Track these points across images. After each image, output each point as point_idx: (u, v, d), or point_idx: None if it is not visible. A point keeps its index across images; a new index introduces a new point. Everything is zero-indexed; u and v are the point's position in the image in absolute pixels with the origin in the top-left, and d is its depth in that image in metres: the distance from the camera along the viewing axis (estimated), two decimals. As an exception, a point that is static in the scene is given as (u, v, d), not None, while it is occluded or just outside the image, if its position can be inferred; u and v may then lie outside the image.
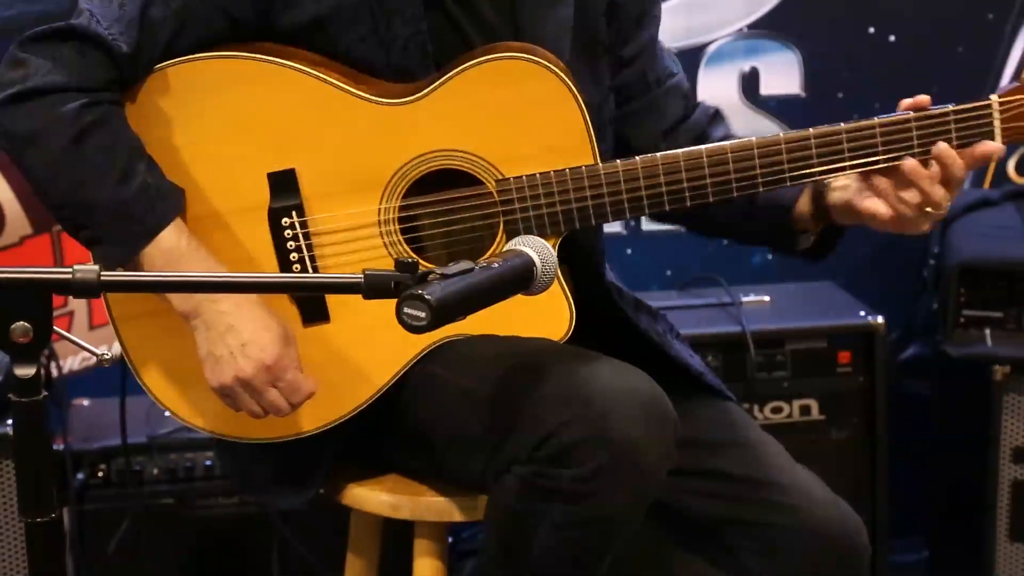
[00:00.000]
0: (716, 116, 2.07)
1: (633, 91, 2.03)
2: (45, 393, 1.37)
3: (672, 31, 3.11)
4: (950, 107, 1.83)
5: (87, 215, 1.75)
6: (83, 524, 2.71)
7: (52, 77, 1.73)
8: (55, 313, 1.36)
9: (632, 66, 2.02)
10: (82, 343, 1.48)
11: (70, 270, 1.35)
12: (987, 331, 2.84)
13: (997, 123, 1.83)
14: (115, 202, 1.73)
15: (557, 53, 1.84)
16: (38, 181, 1.77)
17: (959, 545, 3.04)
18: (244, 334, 1.74)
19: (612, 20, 1.96)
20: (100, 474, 2.72)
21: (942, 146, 1.81)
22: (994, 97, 1.83)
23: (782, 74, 3.25)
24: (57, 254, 2.97)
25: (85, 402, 2.92)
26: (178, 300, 1.76)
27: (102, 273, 1.35)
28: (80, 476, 2.72)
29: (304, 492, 1.91)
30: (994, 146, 1.83)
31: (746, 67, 3.24)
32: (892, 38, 3.26)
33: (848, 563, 1.90)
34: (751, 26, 3.23)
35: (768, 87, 3.25)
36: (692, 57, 3.21)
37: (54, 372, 2.78)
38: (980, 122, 1.83)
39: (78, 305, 3.04)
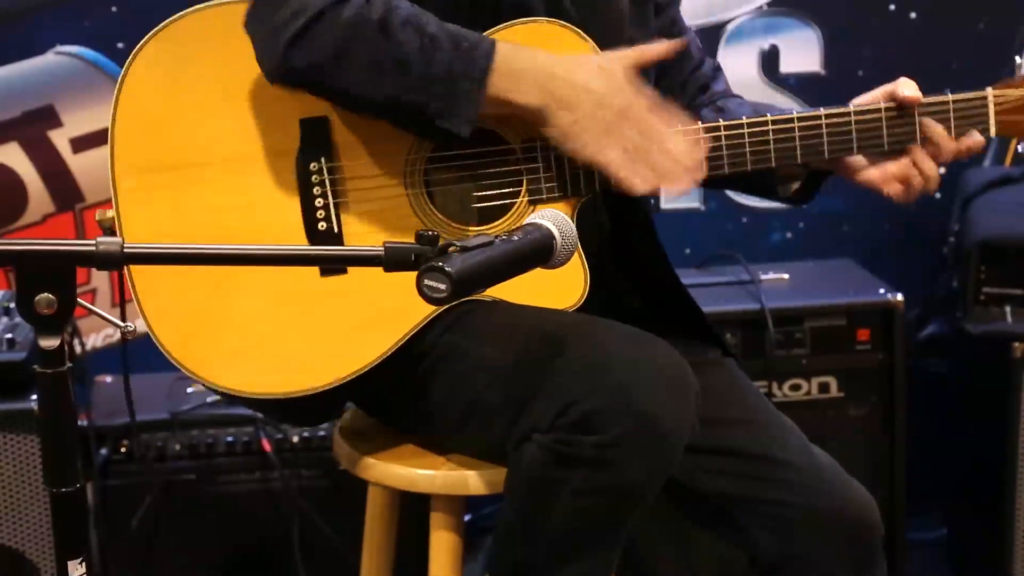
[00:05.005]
0: (718, 70, 2.14)
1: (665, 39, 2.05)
2: (69, 364, 1.39)
3: (693, 9, 3.10)
4: (949, 95, 1.89)
5: (424, 92, 1.72)
6: (106, 499, 2.73)
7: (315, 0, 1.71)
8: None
9: (665, 12, 2.05)
10: (106, 315, 1.50)
11: (94, 242, 1.37)
12: (1007, 309, 2.83)
13: (991, 115, 1.90)
14: (441, 66, 1.71)
15: None
16: (364, 89, 1.73)
17: (977, 522, 3.04)
18: (599, 88, 1.73)
19: None
20: (123, 450, 2.74)
21: (937, 128, 1.88)
22: (990, 89, 1.90)
23: (802, 52, 3.24)
24: (80, 232, 2.99)
25: (108, 379, 2.94)
26: (527, 97, 1.73)
27: (125, 245, 1.37)
28: (103, 452, 2.74)
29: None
30: (979, 140, 1.90)
31: (766, 45, 3.24)
32: (913, 15, 3.25)
33: (860, 543, 1.91)
34: (771, 4, 3.23)
35: (788, 65, 3.25)
36: (712, 35, 3.21)
37: (77, 349, 2.80)
38: (977, 112, 1.89)
39: (101, 283, 3.06)
